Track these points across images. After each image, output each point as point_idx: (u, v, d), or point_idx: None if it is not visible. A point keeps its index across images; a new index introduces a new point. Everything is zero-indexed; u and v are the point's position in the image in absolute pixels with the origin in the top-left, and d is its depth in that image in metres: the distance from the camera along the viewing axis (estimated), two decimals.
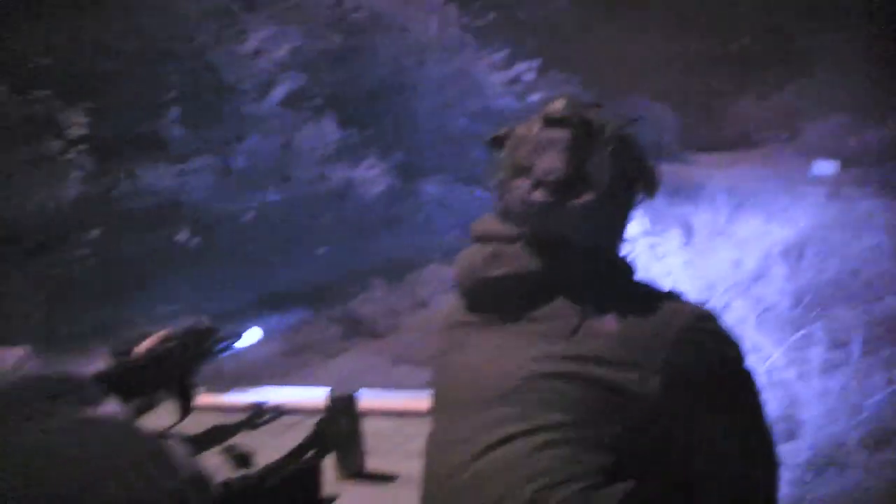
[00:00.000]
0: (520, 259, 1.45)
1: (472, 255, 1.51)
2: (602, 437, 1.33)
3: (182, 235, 8.00)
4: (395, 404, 2.15)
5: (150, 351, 1.96)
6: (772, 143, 14.52)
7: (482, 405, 1.41)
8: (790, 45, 14.90)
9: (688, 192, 10.70)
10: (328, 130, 8.82)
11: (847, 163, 12.76)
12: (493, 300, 1.48)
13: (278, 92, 8.96)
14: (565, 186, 1.44)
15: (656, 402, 1.33)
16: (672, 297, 1.43)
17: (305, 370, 6.40)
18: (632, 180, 1.49)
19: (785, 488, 3.61)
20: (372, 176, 8.69)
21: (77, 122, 7.53)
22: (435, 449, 1.50)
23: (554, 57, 10.88)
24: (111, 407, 1.50)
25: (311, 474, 1.68)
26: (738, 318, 5.80)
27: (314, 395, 2.34)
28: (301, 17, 9.23)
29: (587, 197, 1.44)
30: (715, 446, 1.39)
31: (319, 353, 6.87)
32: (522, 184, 1.47)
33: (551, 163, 1.45)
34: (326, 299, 7.76)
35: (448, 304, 1.62)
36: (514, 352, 1.42)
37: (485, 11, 10.43)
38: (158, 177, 8.13)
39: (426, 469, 1.50)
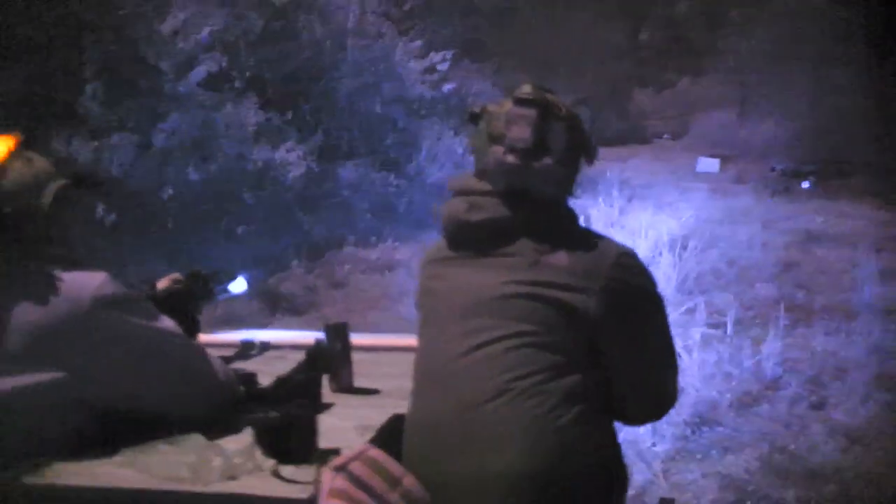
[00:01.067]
0: (493, 208, 1.92)
1: (455, 205, 1.97)
2: (556, 342, 1.81)
3: (98, 211, 8.10)
4: (370, 341, 2.56)
5: (164, 288, 2.34)
6: (663, 137, 15.26)
7: (464, 318, 1.88)
8: (687, 41, 15.57)
9: (587, 185, 11.34)
10: (249, 112, 9.05)
11: (729, 159, 13.57)
12: (470, 240, 1.94)
13: (198, 72, 9.13)
14: (531, 152, 1.92)
15: (595, 317, 1.82)
16: (604, 238, 1.92)
17: None
18: (579, 149, 1.96)
19: (669, 442, 4.17)
20: (291, 158, 8.95)
21: None
22: (426, 351, 1.95)
23: (468, 47, 11.31)
24: (168, 320, 1.91)
25: (314, 385, 2.10)
26: None
27: (293, 336, 2.76)
28: None
29: (547, 160, 1.92)
30: (634, 349, 1.87)
31: (241, 326, 7.15)
32: (497, 149, 1.94)
33: (520, 133, 1.93)
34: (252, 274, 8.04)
35: (430, 246, 2.08)
36: (488, 278, 1.89)
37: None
38: (74, 150, 8.22)
39: (419, 367, 1.95)
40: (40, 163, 1.95)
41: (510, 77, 12.58)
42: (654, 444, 4.09)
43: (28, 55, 8.25)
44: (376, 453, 1.75)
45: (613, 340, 1.87)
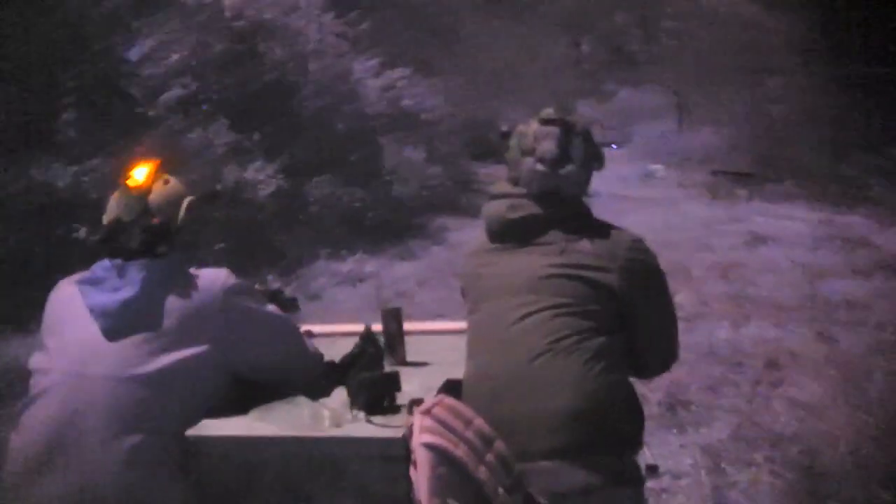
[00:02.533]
0: (529, 207, 2.42)
1: (497, 206, 2.47)
2: (587, 311, 2.30)
3: (81, 233, 8.38)
4: (413, 326, 2.99)
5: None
6: (611, 147, 15.93)
7: (513, 294, 2.37)
8: (625, 52, 16.28)
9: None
10: (218, 134, 9.42)
11: (670, 165, 14.26)
12: (511, 234, 2.42)
13: (168, 96, 9.48)
14: (557, 161, 2.41)
15: (617, 290, 2.31)
16: (616, 228, 2.42)
17: None
18: (592, 157, 2.47)
19: (647, 420, 4.67)
20: (262, 177, 9.35)
21: None
22: (481, 322, 2.43)
23: (418, 64, 11.80)
24: (272, 306, 2.37)
25: (379, 358, 2.56)
26: None
27: (333, 327, 3.19)
28: (188, 25, 9.79)
29: (570, 167, 2.42)
30: (648, 315, 2.37)
31: None
32: (529, 161, 2.43)
33: (548, 147, 2.42)
34: None
35: (473, 243, 2.55)
36: (530, 263, 2.38)
37: (360, 19, 11.22)
38: (53, 176, 8.53)
39: (476, 335, 2.42)
40: (174, 182, 2.41)
41: (460, 92, 13.14)
42: None
43: (5, 84, 8.54)
44: (451, 400, 2.21)
45: (632, 308, 2.38)
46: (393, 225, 10.08)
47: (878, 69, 13.56)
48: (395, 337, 2.69)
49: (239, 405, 2.33)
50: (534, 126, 2.51)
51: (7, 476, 2.27)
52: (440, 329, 3.08)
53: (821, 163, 13.28)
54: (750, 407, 4.80)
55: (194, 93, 9.65)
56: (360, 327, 2.73)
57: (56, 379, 2.25)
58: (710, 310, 6.83)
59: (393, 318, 2.69)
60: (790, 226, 10.90)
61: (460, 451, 2.11)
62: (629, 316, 2.39)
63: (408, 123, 10.95)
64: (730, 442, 4.29)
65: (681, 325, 2.57)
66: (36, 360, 2.35)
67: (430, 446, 2.08)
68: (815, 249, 9.67)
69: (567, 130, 2.47)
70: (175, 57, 9.58)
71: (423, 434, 2.10)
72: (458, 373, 2.51)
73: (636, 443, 2.38)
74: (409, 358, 2.74)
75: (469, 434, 2.16)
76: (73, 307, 2.32)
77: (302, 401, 2.34)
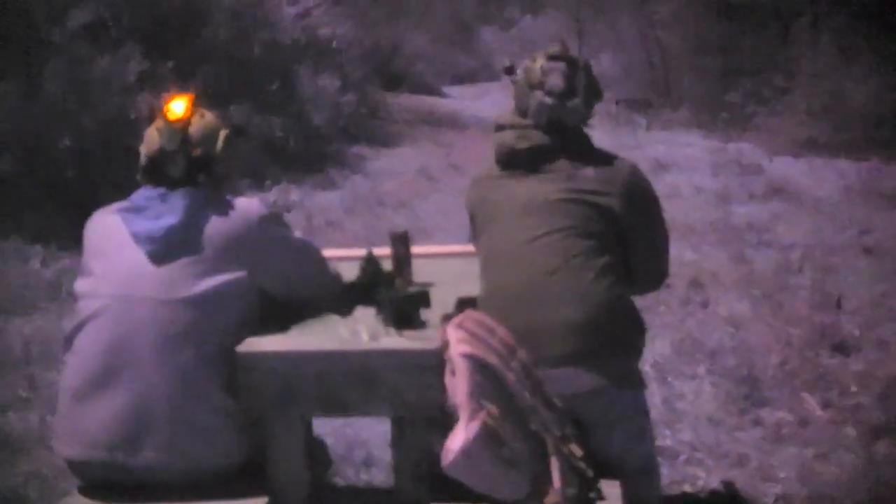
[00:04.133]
0: (537, 137, 2.62)
1: (506, 135, 2.67)
2: (592, 232, 2.54)
3: None
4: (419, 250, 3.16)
5: None
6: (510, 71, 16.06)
7: (525, 216, 2.58)
8: None
9: (450, 122, 12.08)
10: (129, 60, 9.24)
11: None
12: (519, 162, 2.62)
13: (75, 20, 9.21)
14: (564, 94, 2.60)
15: (618, 211, 2.55)
16: (616, 156, 2.64)
17: None
18: (593, 91, 2.67)
19: None
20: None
21: None
22: (493, 241, 2.65)
23: None
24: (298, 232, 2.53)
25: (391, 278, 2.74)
26: None
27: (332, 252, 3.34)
28: None
29: (576, 100, 2.62)
30: (646, 234, 2.62)
31: None
32: (538, 93, 2.61)
33: (556, 81, 2.62)
34: None
35: (480, 170, 2.75)
36: (539, 188, 2.59)
37: None
38: None
39: (489, 253, 2.63)
40: (210, 115, 2.52)
41: (369, 18, 13.14)
42: None
43: None
44: (477, 314, 2.41)
45: (632, 229, 2.62)
46: (311, 154, 10.13)
47: None
48: (404, 259, 2.86)
49: (278, 323, 2.49)
50: (540, 61, 2.69)
51: (65, 398, 2.40)
52: (440, 252, 3.28)
53: (710, 91, 13.81)
54: (684, 324, 5.14)
55: (102, 18, 9.42)
56: (361, 252, 2.90)
57: (105, 302, 2.36)
58: None
59: (401, 242, 2.86)
60: (689, 153, 11.40)
61: (492, 359, 2.33)
62: (628, 236, 2.63)
63: (321, 51, 10.92)
64: (673, 356, 4.60)
65: None
66: (82, 285, 2.46)
67: (467, 356, 2.28)
68: (714, 175, 10.19)
69: (572, 65, 2.66)
70: None
71: (460, 345, 2.30)
72: (462, 291, 2.70)
73: (638, 349, 2.64)
74: (415, 279, 2.93)
75: (495, 343, 2.38)
76: (116, 234, 2.43)
77: (335, 318, 2.52)
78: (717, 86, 13.36)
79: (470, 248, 3.14)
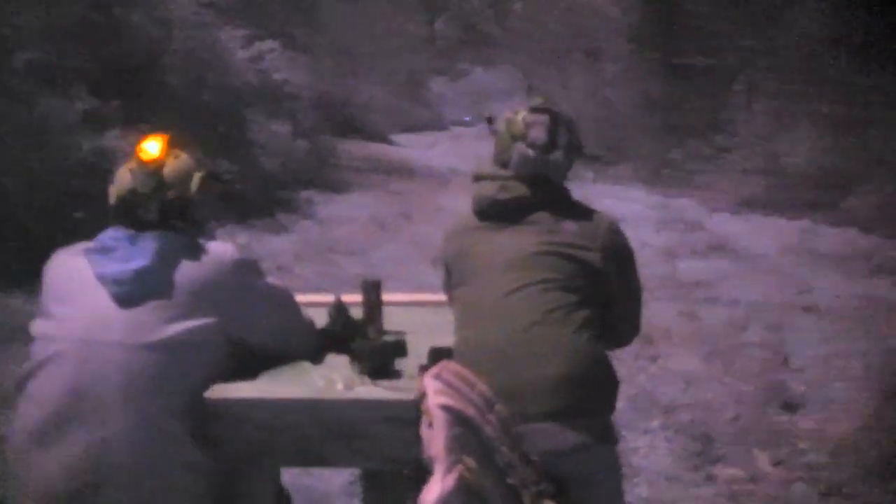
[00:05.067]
0: (518, 189, 2.64)
1: (485, 187, 2.69)
2: (573, 286, 2.55)
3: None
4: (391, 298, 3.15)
5: None
6: (459, 124, 16.27)
7: (505, 270, 2.59)
8: (478, 32, 16.63)
9: (401, 171, 12.14)
10: (75, 101, 9.12)
11: None
12: (500, 214, 2.64)
13: (20, 59, 9.08)
14: (546, 147, 2.63)
15: (599, 266, 2.56)
16: (595, 211, 2.67)
17: None
18: (575, 146, 2.71)
19: None
20: (122, 146, 9.12)
21: None
22: (472, 295, 2.63)
23: (286, 39, 11.75)
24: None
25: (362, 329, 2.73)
26: None
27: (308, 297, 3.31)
28: None
29: (557, 154, 2.64)
30: (624, 288, 2.65)
31: None
32: (520, 146, 2.64)
33: (538, 133, 2.65)
34: None
35: (455, 220, 2.76)
36: (520, 241, 2.61)
37: None
38: None
39: (467, 306, 2.63)
40: (185, 157, 2.49)
41: (322, 66, 13.19)
42: None
43: None
44: (455, 365, 2.40)
45: (612, 284, 2.64)
46: (261, 198, 10.07)
47: (705, 60, 14.48)
48: (375, 307, 2.85)
49: (249, 371, 2.45)
50: (522, 113, 2.72)
51: (17, 444, 2.28)
52: (410, 301, 3.25)
53: (655, 148, 14.08)
54: (636, 379, 5.19)
55: (49, 58, 9.31)
56: (328, 297, 2.88)
57: (66, 346, 2.27)
58: None
59: (373, 290, 2.85)
60: (635, 208, 11.56)
61: (470, 412, 2.32)
62: (609, 289, 2.64)
63: (273, 97, 10.91)
64: (627, 411, 4.63)
65: None
66: (40, 327, 2.35)
67: (445, 408, 2.27)
68: (658, 231, 10.35)
69: (554, 119, 2.70)
70: (26, 19, 9.19)
71: (437, 396, 2.29)
72: (435, 341, 2.66)
73: (614, 405, 2.65)
74: (385, 327, 2.92)
75: (474, 396, 2.37)
76: (80, 275, 2.35)
77: (307, 366, 2.50)
78: (661, 143, 13.62)
79: (440, 296, 3.13)
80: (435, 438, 2.26)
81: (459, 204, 9.21)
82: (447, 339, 2.71)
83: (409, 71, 15.56)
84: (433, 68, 16.46)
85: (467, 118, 16.04)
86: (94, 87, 9.45)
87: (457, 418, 2.28)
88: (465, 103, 16.51)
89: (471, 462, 2.26)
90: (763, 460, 4.10)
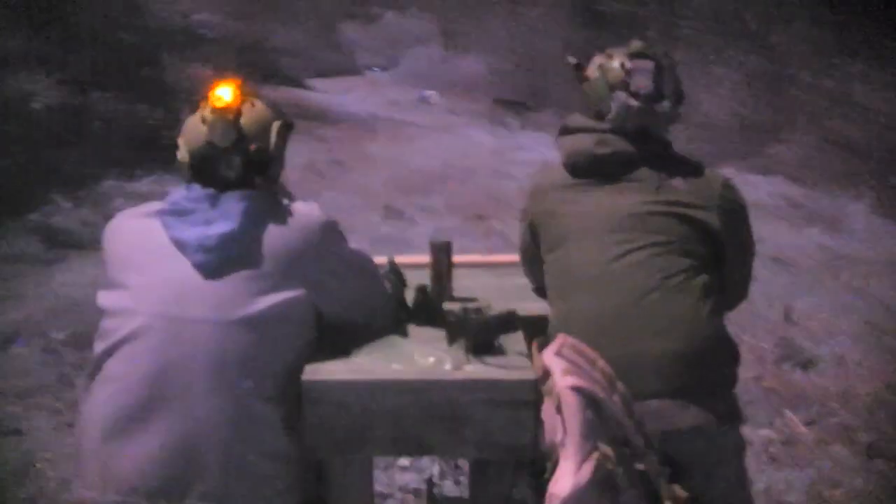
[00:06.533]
0: (618, 143, 2.36)
1: (580, 140, 2.40)
2: (688, 249, 2.30)
3: None
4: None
5: None
6: (373, 70, 15.73)
7: (611, 232, 2.32)
8: None
9: (322, 117, 11.68)
10: None
11: (440, 91, 14.37)
12: (598, 170, 2.36)
13: None
14: (652, 97, 2.35)
15: (715, 228, 2.32)
16: (704, 166, 2.40)
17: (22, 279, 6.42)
18: (680, 94, 2.44)
19: None
20: (37, 89, 8.51)
21: None
22: (572, 261, 2.35)
23: None
24: None
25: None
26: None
27: None
28: None
29: (665, 103, 2.37)
30: (742, 251, 2.41)
31: (29, 263, 6.84)
32: (620, 95, 2.36)
33: (643, 81, 2.36)
34: (13, 211, 7.61)
35: (542, 175, 2.47)
36: (625, 200, 2.33)
37: None
38: None
39: (567, 274, 2.34)
40: (260, 105, 2.13)
41: (234, 9, 12.53)
42: None
43: None
44: (573, 341, 2.13)
45: (729, 245, 2.39)
46: None
47: (624, 6, 14.38)
48: (446, 272, 2.55)
49: (334, 349, 2.16)
50: (620, 59, 2.43)
51: (95, 430, 1.99)
52: (479, 262, 3.00)
53: (577, 95, 13.94)
54: None
55: None
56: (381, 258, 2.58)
57: (146, 322, 1.98)
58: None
59: (444, 252, 2.55)
60: None
61: (599, 393, 2.06)
62: (727, 252, 2.39)
63: (192, 41, 10.30)
64: None
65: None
66: (111, 300, 2.04)
67: (577, 389, 2.00)
68: None
69: (659, 65, 2.42)
70: None
71: (566, 377, 2.02)
72: (511, 306, 2.40)
73: (736, 381, 2.41)
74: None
75: (597, 375, 2.11)
76: (153, 241, 2.04)
77: (399, 340, 2.20)
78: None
79: (502, 257, 2.97)
80: (567, 423, 1.99)
81: (390, 151, 8.96)
82: (523, 305, 2.44)
83: (319, 14, 14.94)
84: (345, 12, 15.82)
85: (377, 68, 15.54)
86: (11, 27, 8.76)
87: (589, 401, 2.01)
88: (378, 48, 15.95)
89: (607, 449, 2.00)
90: (795, 421, 3.95)
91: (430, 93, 14.13)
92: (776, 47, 12.89)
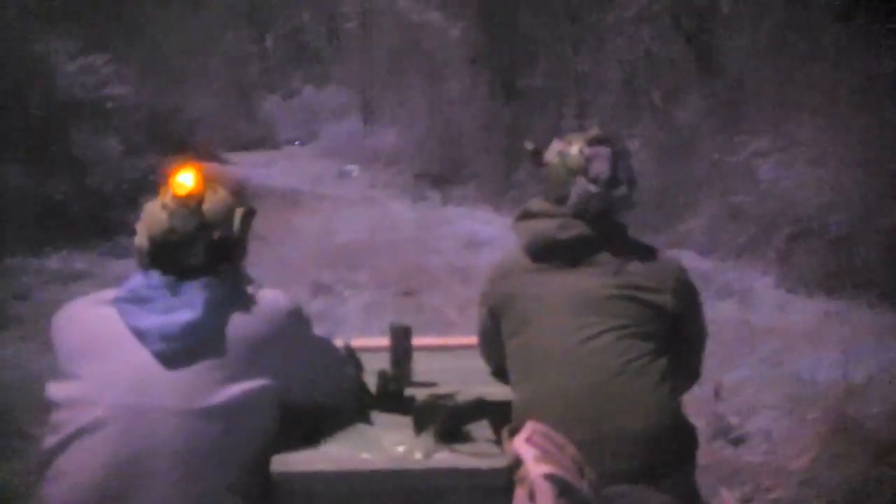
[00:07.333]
0: (579, 227, 2.36)
1: (543, 224, 2.40)
2: (648, 332, 2.30)
3: None
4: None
5: None
6: (294, 144, 15.72)
7: (569, 316, 2.30)
8: (310, 49, 16.19)
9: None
10: None
11: (360, 165, 14.43)
12: (559, 254, 2.36)
13: None
14: (610, 183, 2.37)
15: (670, 310, 2.32)
16: (659, 250, 2.43)
17: None
18: (634, 180, 2.46)
19: None
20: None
21: None
22: (532, 345, 2.31)
23: (115, 51, 10.95)
24: None
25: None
26: None
27: None
28: None
29: (623, 189, 2.38)
30: (695, 333, 2.43)
31: None
32: (580, 180, 2.37)
33: (601, 167, 2.38)
34: None
35: (503, 259, 2.47)
36: (586, 283, 2.32)
37: None
38: None
39: (531, 355, 2.31)
40: (224, 191, 2.06)
41: (148, 81, 12.41)
42: None
43: None
44: (541, 427, 2.08)
45: (684, 327, 2.38)
46: (95, 220, 9.29)
47: (543, 81, 14.67)
48: (405, 355, 2.50)
49: (303, 435, 2.06)
50: (579, 145, 2.44)
51: None
52: (436, 345, 2.92)
53: (498, 168, 14.09)
54: None
55: None
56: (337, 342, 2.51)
57: (104, 413, 1.83)
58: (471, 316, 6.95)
59: (404, 336, 2.50)
60: (492, 230, 11.44)
61: (571, 479, 2.01)
62: (682, 335, 2.39)
63: (101, 112, 10.13)
64: None
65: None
66: (63, 391, 1.90)
67: (550, 476, 1.95)
68: None
69: (616, 151, 2.44)
70: None
71: (538, 464, 1.96)
72: (468, 388, 2.36)
73: (696, 463, 2.39)
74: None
75: (566, 461, 2.06)
76: (109, 329, 1.91)
77: (365, 428, 2.11)
78: (505, 163, 13.63)
79: (461, 340, 2.91)
80: None
81: (314, 225, 8.86)
82: (485, 389, 2.39)
83: (238, 88, 14.92)
84: (264, 85, 15.87)
85: (297, 142, 15.55)
86: None
87: (564, 488, 1.96)
88: (297, 122, 16.00)
89: None
90: (731, 501, 3.94)
91: (351, 167, 14.17)
92: (676, 122, 13.26)
